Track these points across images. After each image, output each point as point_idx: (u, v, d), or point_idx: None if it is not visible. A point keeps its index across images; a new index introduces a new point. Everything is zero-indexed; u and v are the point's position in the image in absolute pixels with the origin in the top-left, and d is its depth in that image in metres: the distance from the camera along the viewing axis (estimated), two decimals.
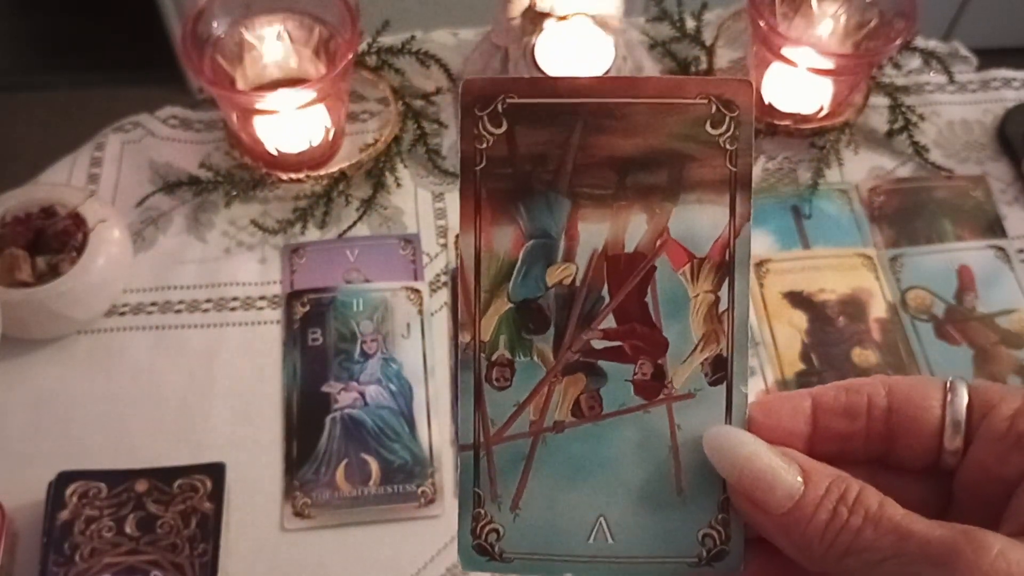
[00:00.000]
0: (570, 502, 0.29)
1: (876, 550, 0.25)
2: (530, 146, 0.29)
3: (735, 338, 0.29)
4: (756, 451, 0.27)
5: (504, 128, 0.29)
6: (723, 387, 0.29)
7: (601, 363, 0.29)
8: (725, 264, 0.29)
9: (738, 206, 0.29)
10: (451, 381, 0.65)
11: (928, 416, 0.28)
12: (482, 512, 0.30)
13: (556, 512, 0.29)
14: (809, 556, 0.26)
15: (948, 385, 0.28)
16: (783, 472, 0.27)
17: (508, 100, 0.29)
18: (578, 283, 0.29)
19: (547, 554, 0.30)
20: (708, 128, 0.29)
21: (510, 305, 0.29)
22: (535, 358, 0.29)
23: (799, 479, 0.27)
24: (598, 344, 0.29)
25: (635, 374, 0.29)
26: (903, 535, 0.25)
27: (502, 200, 0.29)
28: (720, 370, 0.29)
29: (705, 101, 0.28)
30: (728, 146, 0.29)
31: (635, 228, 0.29)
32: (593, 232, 0.29)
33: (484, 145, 0.29)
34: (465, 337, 0.29)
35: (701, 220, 0.29)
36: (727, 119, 0.28)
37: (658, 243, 0.29)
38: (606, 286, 0.29)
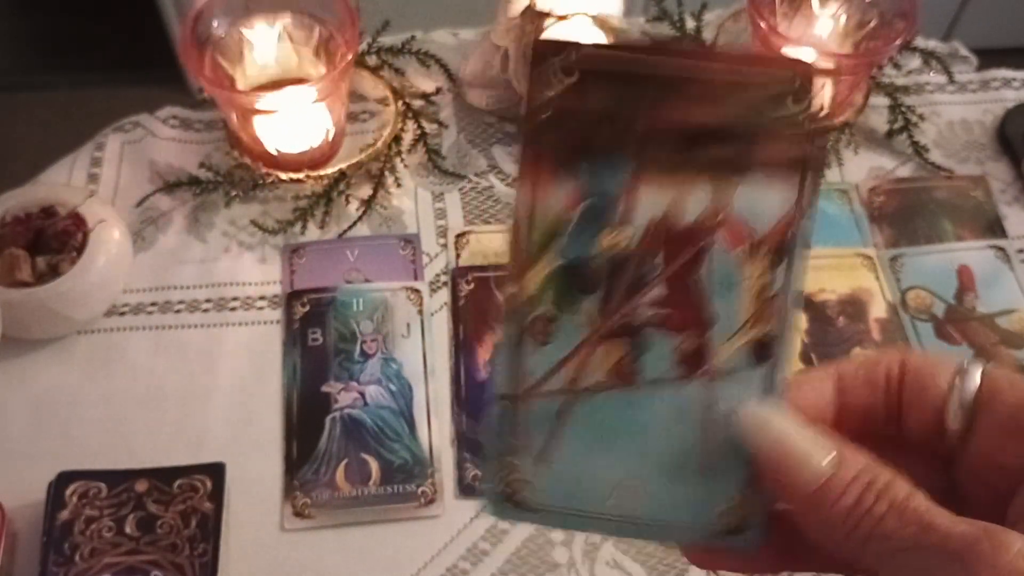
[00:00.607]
0: (597, 463, 0.29)
1: (897, 539, 0.25)
2: (600, 100, 0.28)
3: (782, 322, 0.28)
4: (788, 428, 0.27)
5: (576, 78, 0.28)
6: (764, 369, 0.29)
7: (645, 331, 0.29)
8: (784, 246, 0.28)
9: (807, 187, 0.28)
10: (451, 382, 0.65)
11: (934, 393, 0.28)
12: (512, 462, 0.29)
13: (582, 471, 0.29)
14: (831, 538, 0.26)
15: (962, 365, 0.28)
16: (813, 451, 0.27)
17: (583, 50, 0.28)
18: (632, 248, 0.29)
19: (571, 508, 0.30)
20: (790, 105, 0.28)
21: (560, 262, 0.29)
22: (580, 318, 0.29)
23: (830, 459, 0.26)
24: (645, 312, 0.29)
25: (678, 346, 0.29)
26: (925, 527, 0.25)
27: (564, 154, 0.28)
28: (763, 352, 0.29)
29: (790, 77, 0.28)
30: (807, 125, 0.28)
31: (697, 200, 0.28)
32: (654, 198, 0.28)
33: (553, 92, 0.28)
34: (512, 288, 0.29)
35: (766, 199, 0.28)
36: (809, 98, 0.28)
37: (719, 218, 0.28)
38: (660, 255, 0.29)
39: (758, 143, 0.28)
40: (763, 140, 0.28)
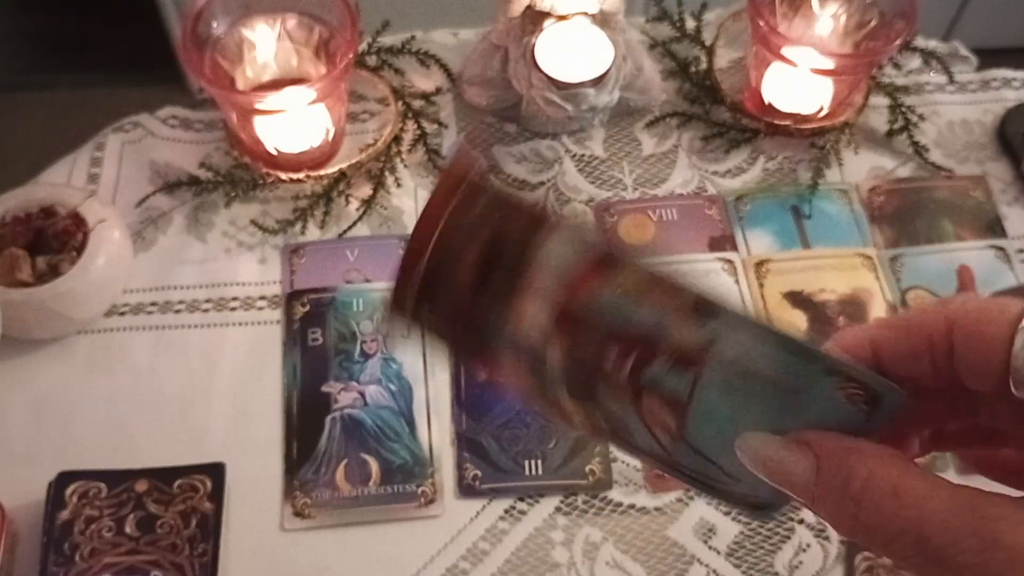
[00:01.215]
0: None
1: (899, 547, 0.25)
2: (437, 332, 0.33)
3: (683, 277, 0.30)
4: (767, 453, 0.29)
5: (423, 324, 0.33)
6: (720, 312, 0.30)
7: (646, 379, 0.31)
8: (613, 251, 0.30)
9: (538, 211, 0.30)
10: (451, 382, 0.65)
11: (992, 346, 0.26)
12: (725, 490, 0.33)
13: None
14: (841, 534, 0.27)
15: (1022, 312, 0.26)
16: (793, 467, 0.28)
17: (400, 309, 0.32)
18: (580, 353, 0.31)
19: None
20: (473, 201, 0.30)
21: (565, 393, 0.32)
22: (614, 402, 0.32)
23: (809, 469, 0.27)
24: (625, 367, 0.31)
25: (670, 361, 0.30)
26: (921, 537, 0.24)
27: (480, 351, 0.33)
28: (705, 309, 0.30)
29: (455, 187, 0.30)
30: (495, 190, 0.30)
31: (537, 311, 0.31)
32: (529, 327, 0.31)
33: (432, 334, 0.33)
34: (583, 432, 0.33)
35: (554, 249, 0.30)
36: (467, 185, 0.30)
37: (563, 293, 0.30)
38: (590, 350, 0.31)
39: (501, 238, 0.30)
40: (502, 232, 0.30)
